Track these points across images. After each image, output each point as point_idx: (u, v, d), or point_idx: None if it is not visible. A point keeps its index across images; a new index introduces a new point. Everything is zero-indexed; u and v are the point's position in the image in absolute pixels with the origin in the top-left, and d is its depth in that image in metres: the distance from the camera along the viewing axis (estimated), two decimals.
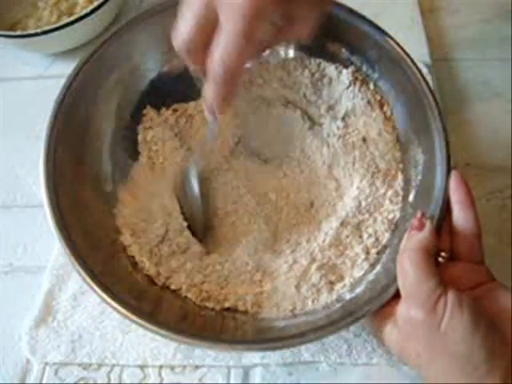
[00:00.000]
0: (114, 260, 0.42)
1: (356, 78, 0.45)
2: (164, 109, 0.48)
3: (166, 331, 0.36)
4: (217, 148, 0.46)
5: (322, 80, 0.46)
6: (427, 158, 0.40)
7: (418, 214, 0.37)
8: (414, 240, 0.35)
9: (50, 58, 0.66)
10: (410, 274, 0.34)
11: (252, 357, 0.42)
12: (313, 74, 0.46)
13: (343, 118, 0.45)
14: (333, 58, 0.46)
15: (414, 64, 0.41)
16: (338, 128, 0.45)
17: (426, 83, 0.40)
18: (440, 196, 0.37)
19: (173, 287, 0.42)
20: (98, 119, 0.45)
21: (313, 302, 0.40)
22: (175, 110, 0.48)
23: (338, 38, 0.43)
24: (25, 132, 0.59)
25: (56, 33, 0.60)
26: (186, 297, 0.41)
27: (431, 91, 0.40)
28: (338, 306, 0.39)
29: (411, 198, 0.42)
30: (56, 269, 0.48)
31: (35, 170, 0.55)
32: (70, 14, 0.64)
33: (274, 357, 0.42)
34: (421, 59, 0.59)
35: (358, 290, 0.40)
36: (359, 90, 0.45)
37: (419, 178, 0.41)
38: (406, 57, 0.41)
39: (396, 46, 0.42)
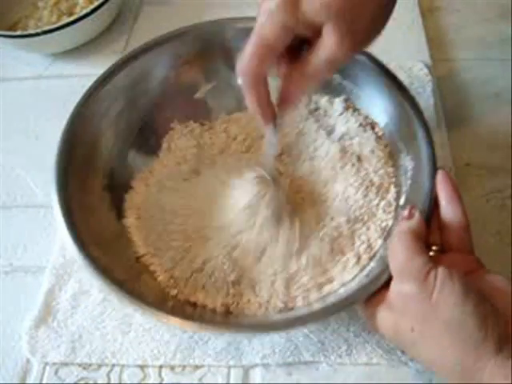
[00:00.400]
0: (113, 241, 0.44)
1: (348, 106, 0.50)
2: (191, 121, 0.52)
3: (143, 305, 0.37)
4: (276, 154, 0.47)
5: (318, 110, 0.51)
6: (415, 164, 0.43)
7: (409, 206, 0.39)
8: (404, 225, 0.37)
9: (50, 58, 0.66)
10: (399, 253, 0.35)
11: (252, 357, 0.42)
12: (308, 106, 0.51)
13: (339, 140, 0.48)
14: (325, 86, 0.50)
15: (399, 82, 0.46)
16: (335, 148, 0.48)
17: (411, 96, 0.44)
18: (427, 193, 0.40)
19: (151, 268, 0.44)
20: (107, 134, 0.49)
21: (303, 299, 0.41)
22: (202, 124, 0.52)
23: None
24: (25, 132, 0.59)
25: (56, 33, 0.60)
26: (158, 281, 0.43)
27: (416, 103, 0.44)
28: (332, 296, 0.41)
29: (402, 201, 0.44)
30: (56, 269, 0.48)
31: (35, 170, 0.55)
32: (70, 14, 0.64)
33: (273, 357, 0.42)
34: (421, 59, 0.59)
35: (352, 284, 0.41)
36: (352, 115, 0.49)
37: (409, 182, 0.44)
38: (390, 75, 0.46)
39: (381, 68, 0.46)
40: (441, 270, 0.33)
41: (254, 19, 0.48)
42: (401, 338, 0.35)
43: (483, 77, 0.58)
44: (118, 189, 0.48)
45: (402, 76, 0.57)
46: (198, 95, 0.52)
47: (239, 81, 0.37)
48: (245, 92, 0.37)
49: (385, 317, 0.36)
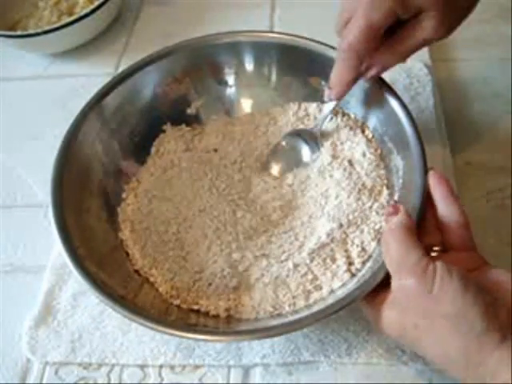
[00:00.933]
0: (110, 255, 0.44)
1: (337, 112, 0.49)
2: (184, 125, 0.52)
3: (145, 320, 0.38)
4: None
5: (308, 117, 0.51)
6: (406, 163, 0.43)
7: (392, 202, 0.38)
8: (393, 221, 0.37)
9: (50, 58, 0.66)
10: (393, 248, 0.35)
11: (252, 357, 0.42)
12: (297, 114, 0.51)
13: (330, 145, 0.48)
14: (314, 93, 0.50)
15: (384, 82, 0.46)
16: (327, 153, 0.48)
17: (397, 95, 0.45)
18: (419, 190, 0.39)
19: (151, 279, 0.44)
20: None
21: (289, 306, 0.41)
22: (193, 129, 0.53)
23: (318, 72, 0.47)
24: (25, 132, 0.59)
25: (56, 33, 0.60)
26: (159, 291, 0.43)
27: (402, 101, 0.44)
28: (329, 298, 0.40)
29: (395, 199, 0.43)
30: (56, 269, 0.48)
31: (35, 170, 0.55)
32: (70, 14, 0.64)
33: (273, 356, 0.42)
34: (421, 59, 0.59)
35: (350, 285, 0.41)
36: (341, 120, 0.49)
37: (400, 181, 0.44)
38: (379, 80, 0.45)
39: None
40: (439, 264, 0.33)
41: (239, 33, 0.51)
42: (406, 335, 0.35)
43: (483, 77, 0.58)
44: (112, 204, 0.48)
45: (401, 76, 0.57)
46: (189, 111, 0.53)
47: (339, 54, 0.40)
48: (340, 66, 0.41)
49: (389, 315, 0.35)
